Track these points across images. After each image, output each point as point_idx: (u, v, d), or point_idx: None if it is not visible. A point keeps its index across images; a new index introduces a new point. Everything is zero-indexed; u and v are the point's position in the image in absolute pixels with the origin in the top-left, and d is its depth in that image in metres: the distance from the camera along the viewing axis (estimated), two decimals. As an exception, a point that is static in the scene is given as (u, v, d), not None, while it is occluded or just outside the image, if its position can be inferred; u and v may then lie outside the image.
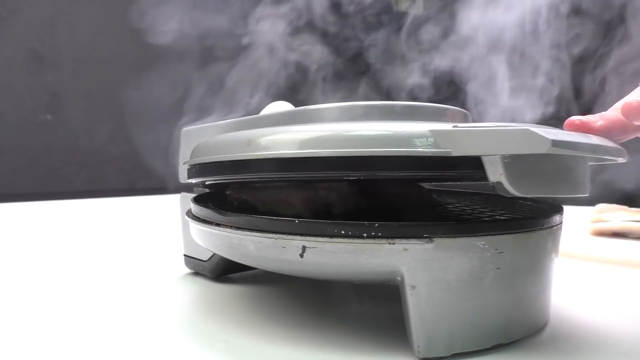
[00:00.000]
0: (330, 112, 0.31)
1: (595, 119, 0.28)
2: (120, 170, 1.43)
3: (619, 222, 0.62)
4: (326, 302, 0.36)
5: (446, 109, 0.32)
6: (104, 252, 0.57)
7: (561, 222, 0.32)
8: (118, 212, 0.99)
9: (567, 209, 0.34)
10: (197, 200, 0.35)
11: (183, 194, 0.43)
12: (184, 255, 0.45)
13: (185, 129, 0.42)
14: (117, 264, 0.51)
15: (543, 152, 0.21)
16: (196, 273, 0.45)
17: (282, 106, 0.43)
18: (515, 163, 0.23)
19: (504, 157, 0.22)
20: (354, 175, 0.25)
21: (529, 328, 0.29)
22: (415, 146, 0.23)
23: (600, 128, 0.27)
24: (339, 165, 0.24)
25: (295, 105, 0.42)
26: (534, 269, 0.29)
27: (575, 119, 0.28)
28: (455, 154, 0.23)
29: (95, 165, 1.38)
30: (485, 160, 0.23)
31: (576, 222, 0.68)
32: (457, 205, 0.39)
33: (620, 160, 0.26)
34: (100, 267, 0.49)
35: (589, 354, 0.28)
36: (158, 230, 0.74)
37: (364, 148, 0.24)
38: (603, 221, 0.65)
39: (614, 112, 0.28)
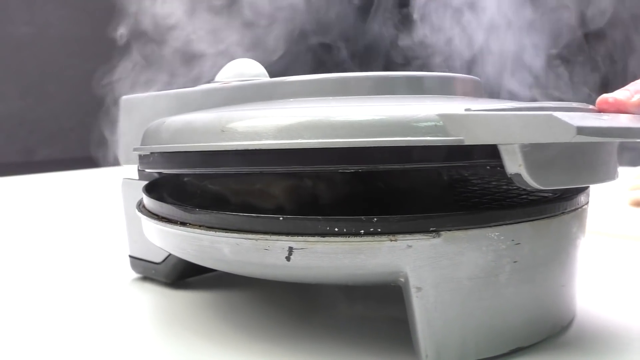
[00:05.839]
0: (312, 85, 0.33)
1: (630, 94, 0.31)
2: (11, 137, 1.37)
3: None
4: (310, 306, 0.39)
5: (452, 79, 0.35)
6: (9, 254, 0.56)
7: (588, 202, 0.36)
8: (14, 195, 0.94)
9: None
10: (149, 190, 0.38)
11: (125, 179, 0.45)
12: (130, 256, 0.46)
13: (125, 97, 0.44)
14: (31, 272, 0.50)
15: (567, 140, 0.24)
16: (146, 278, 0.46)
17: (245, 66, 0.44)
18: (536, 152, 0.26)
19: (523, 146, 0.26)
20: (350, 169, 0.28)
21: (552, 327, 0.33)
22: (423, 134, 0.26)
23: (636, 105, 0.31)
24: (330, 157, 0.27)
25: (261, 61, 0.44)
26: (556, 259, 0.33)
27: (609, 96, 0.31)
28: (468, 142, 0.26)
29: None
30: (502, 149, 0.26)
31: (610, 189, 0.70)
32: (470, 181, 0.43)
33: None
34: (11, 278, 0.49)
35: (621, 354, 0.32)
36: (79, 218, 0.73)
37: (361, 137, 0.26)
38: (645, 189, 0.67)
39: None
